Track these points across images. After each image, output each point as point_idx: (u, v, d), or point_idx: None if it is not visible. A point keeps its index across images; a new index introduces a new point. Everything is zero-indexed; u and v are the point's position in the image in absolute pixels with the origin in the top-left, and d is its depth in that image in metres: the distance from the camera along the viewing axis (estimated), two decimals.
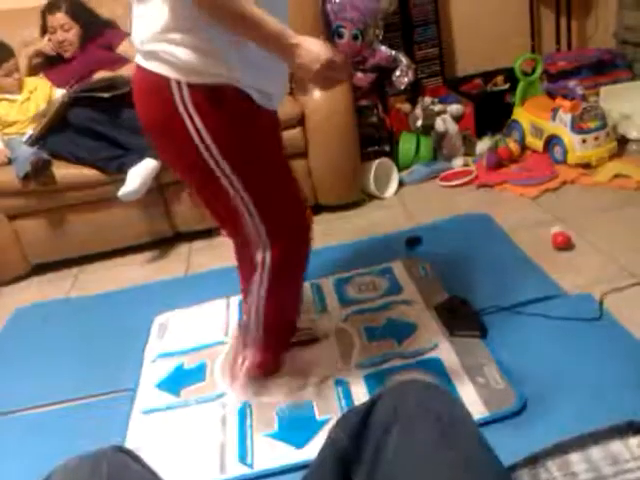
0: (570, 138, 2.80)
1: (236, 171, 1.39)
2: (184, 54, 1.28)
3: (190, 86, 1.31)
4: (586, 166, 2.77)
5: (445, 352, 1.75)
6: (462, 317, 1.86)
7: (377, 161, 2.90)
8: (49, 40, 2.89)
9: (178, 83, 1.30)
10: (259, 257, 1.53)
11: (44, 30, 2.90)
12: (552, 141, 2.88)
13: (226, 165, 1.38)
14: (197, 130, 1.34)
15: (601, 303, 1.83)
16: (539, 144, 2.95)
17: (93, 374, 1.96)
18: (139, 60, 1.36)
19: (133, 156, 2.56)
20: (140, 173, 2.52)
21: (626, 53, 3.30)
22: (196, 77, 1.31)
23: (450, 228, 2.47)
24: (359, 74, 3.09)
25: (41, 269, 2.79)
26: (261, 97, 1.39)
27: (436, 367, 1.70)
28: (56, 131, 2.64)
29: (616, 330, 1.72)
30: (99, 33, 2.92)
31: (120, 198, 2.52)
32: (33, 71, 2.94)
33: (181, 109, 1.32)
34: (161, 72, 1.31)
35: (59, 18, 2.84)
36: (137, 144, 2.53)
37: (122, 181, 2.53)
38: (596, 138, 2.80)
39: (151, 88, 1.36)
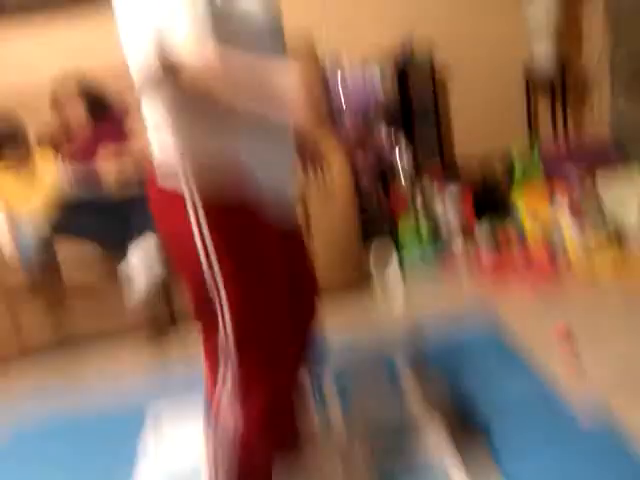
0: (568, 225, 2.83)
1: (225, 275, 1.37)
2: (198, 163, 1.31)
3: (205, 203, 1.32)
4: (583, 255, 2.78)
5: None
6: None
7: (377, 242, 2.93)
8: (57, 116, 2.95)
9: (194, 203, 1.32)
10: (221, 371, 1.42)
11: (53, 106, 2.96)
12: (551, 228, 2.91)
13: (218, 272, 1.36)
14: (204, 243, 1.34)
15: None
16: (538, 230, 2.98)
17: None
18: (155, 175, 1.38)
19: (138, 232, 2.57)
20: (143, 266, 2.53)
21: (620, 143, 3.37)
22: (212, 192, 1.32)
23: (455, 339, 2.38)
24: (359, 154, 3.15)
25: (35, 350, 2.75)
26: (274, 186, 1.39)
27: None
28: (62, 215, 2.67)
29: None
30: (108, 114, 2.99)
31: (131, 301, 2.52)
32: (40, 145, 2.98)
33: (194, 225, 1.33)
34: (177, 189, 1.33)
35: (69, 96, 2.91)
36: (144, 223, 2.54)
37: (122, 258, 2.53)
38: (593, 226, 2.83)
39: (167, 204, 1.38)
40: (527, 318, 2.41)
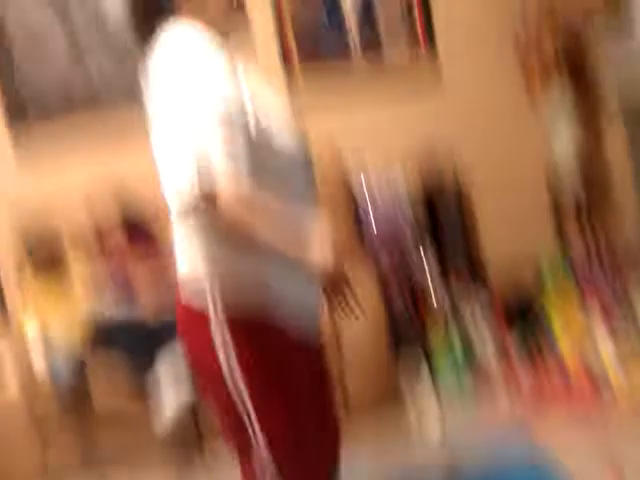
0: (604, 339, 2.76)
1: (254, 402, 1.37)
2: (226, 290, 1.34)
3: (231, 323, 1.34)
4: (626, 372, 2.67)
5: None
6: None
7: (407, 353, 2.89)
8: (91, 222, 3.03)
9: (220, 322, 1.34)
10: None
11: (89, 211, 3.05)
12: (586, 340, 2.82)
13: (246, 394, 1.37)
14: (229, 363, 1.35)
15: None
16: (572, 342, 2.89)
17: None
18: (182, 294, 1.41)
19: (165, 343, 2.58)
20: (173, 395, 2.53)
21: None
22: (238, 314, 1.35)
23: (495, 473, 2.27)
24: (386, 262, 3.15)
25: (61, 471, 2.73)
26: (299, 318, 1.41)
27: None
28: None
29: None
30: (142, 225, 3.07)
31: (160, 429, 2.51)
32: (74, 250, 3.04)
33: (219, 347, 1.35)
34: (204, 309, 1.35)
35: (105, 204, 3.01)
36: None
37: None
38: (631, 338, 2.76)
39: (194, 324, 1.40)
40: (569, 448, 2.30)
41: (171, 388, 2.50)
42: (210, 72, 1.29)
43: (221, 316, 1.35)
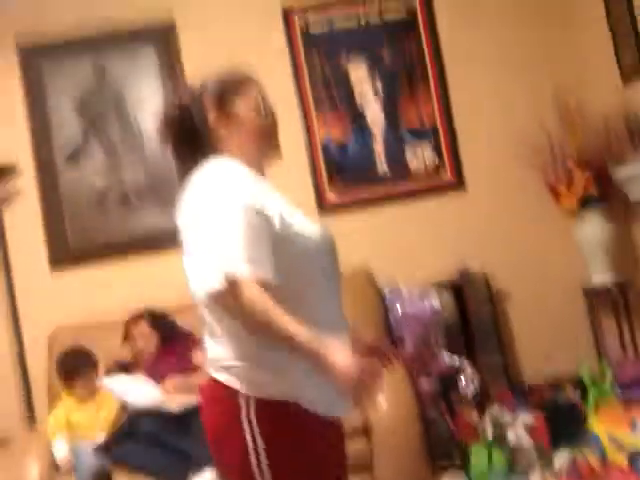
0: None
1: None
2: (253, 373, 1.36)
3: (257, 401, 1.34)
4: None
5: None
6: None
7: (448, 474, 2.76)
8: (129, 348, 3.06)
9: (247, 398, 1.34)
10: None
11: (125, 338, 3.09)
12: (637, 457, 2.70)
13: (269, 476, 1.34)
14: (254, 441, 1.34)
15: None
16: (622, 459, 2.76)
17: None
18: (211, 370, 1.43)
19: (198, 465, 2.50)
20: None
21: None
22: (264, 393, 1.35)
23: None
24: (423, 380, 3.11)
25: None
26: (327, 406, 1.40)
27: None
28: (124, 439, 2.66)
29: None
30: (176, 341, 3.09)
31: None
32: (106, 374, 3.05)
33: (244, 421, 1.34)
34: (231, 385, 1.36)
35: (141, 328, 3.05)
36: (205, 455, 2.50)
37: None
38: None
39: (219, 397, 1.40)
40: None
41: None
42: (237, 182, 1.37)
43: (251, 394, 1.35)
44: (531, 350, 3.57)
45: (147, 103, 3.53)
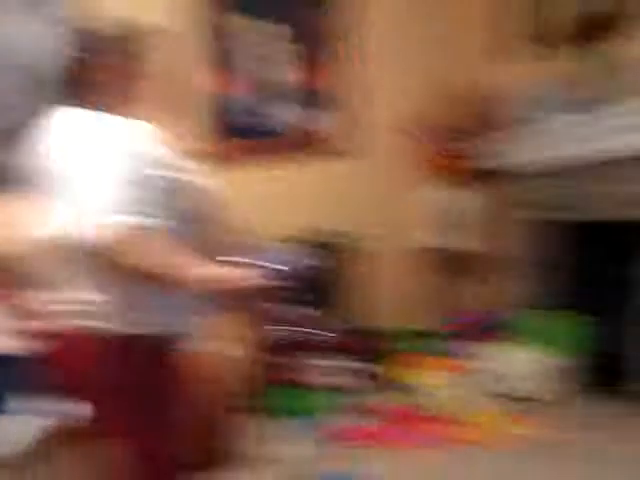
0: (455, 397, 3.05)
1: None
2: (130, 314, 1.50)
3: (131, 337, 1.50)
4: (467, 424, 2.92)
5: None
6: None
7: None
8: None
9: (123, 337, 1.48)
10: None
11: None
12: (439, 399, 3.07)
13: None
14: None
15: None
16: (424, 402, 3.10)
17: None
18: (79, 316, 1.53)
19: None
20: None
21: (515, 317, 3.67)
22: (139, 330, 1.51)
23: None
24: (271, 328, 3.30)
25: None
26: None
27: None
28: None
29: None
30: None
31: None
32: None
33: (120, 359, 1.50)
34: (104, 327, 1.50)
35: None
36: None
37: None
38: (480, 396, 3.07)
39: (92, 342, 1.50)
40: None
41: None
42: (122, 132, 1.44)
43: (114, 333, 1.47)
44: (373, 302, 3.89)
45: None
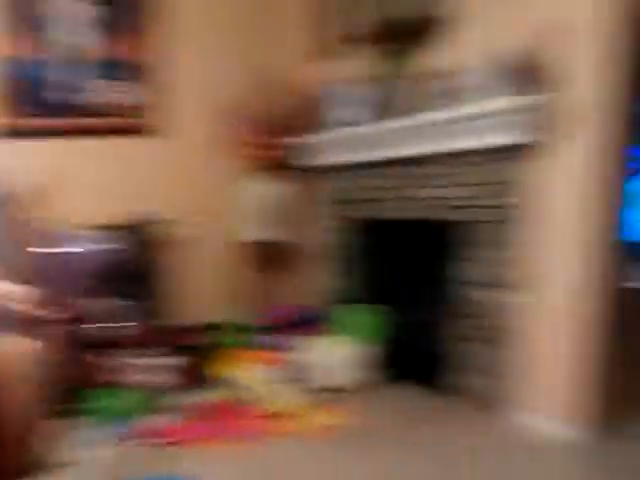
0: (272, 389, 2.98)
1: None
2: None
3: None
4: (286, 416, 2.89)
5: None
6: None
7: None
8: None
9: None
10: None
11: None
12: (253, 392, 3.00)
13: None
14: None
15: None
16: (240, 396, 3.03)
17: None
18: None
19: None
20: None
21: (328, 310, 3.73)
22: None
23: None
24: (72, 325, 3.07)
25: None
26: None
27: None
28: None
29: None
30: None
31: None
32: None
33: None
34: None
35: None
36: None
37: None
38: (297, 388, 3.03)
39: None
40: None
41: None
42: None
43: None
44: (185, 295, 3.76)
45: None
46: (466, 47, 3.00)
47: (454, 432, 2.77)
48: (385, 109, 3.36)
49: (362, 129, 3.46)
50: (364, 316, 3.42)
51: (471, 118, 2.82)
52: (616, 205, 2.55)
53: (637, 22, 2.41)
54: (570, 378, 2.68)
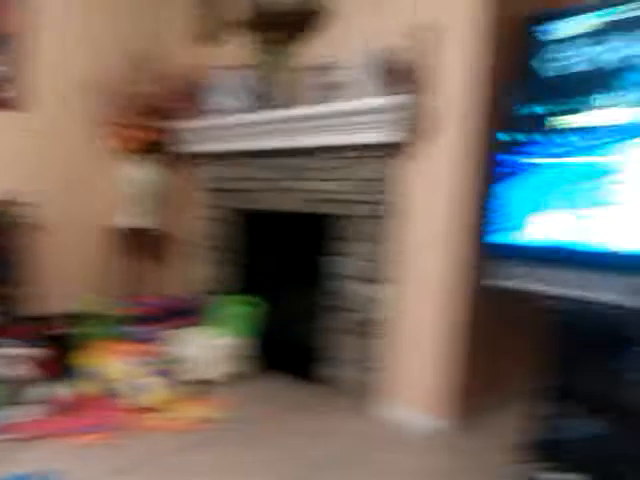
0: (142, 382, 2.88)
1: None
2: None
3: None
4: (156, 410, 2.83)
5: None
6: None
7: None
8: None
9: None
10: None
11: None
12: (119, 385, 2.90)
13: None
14: None
15: None
16: (106, 388, 2.93)
17: None
18: None
19: None
20: None
21: (200, 300, 3.68)
22: None
23: None
24: None
25: None
26: None
27: None
28: None
29: None
30: None
31: None
32: None
33: None
34: None
35: None
36: None
37: None
38: (168, 381, 2.93)
39: None
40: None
41: None
42: None
43: None
44: (59, 283, 3.57)
45: None
46: (342, 43, 3.03)
47: (321, 423, 2.81)
48: (263, 99, 3.32)
49: (240, 118, 3.41)
50: (238, 308, 3.38)
51: (344, 114, 2.84)
52: (480, 206, 2.63)
53: (507, 26, 2.48)
54: (432, 371, 2.78)
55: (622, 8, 2.13)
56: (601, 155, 2.16)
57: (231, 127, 3.47)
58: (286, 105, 3.19)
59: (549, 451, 2.27)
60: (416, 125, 2.70)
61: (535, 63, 2.35)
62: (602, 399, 2.12)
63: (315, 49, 3.18)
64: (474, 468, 2.44)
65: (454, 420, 2.78)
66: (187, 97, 3.75)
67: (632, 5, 2.10)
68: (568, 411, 2.21)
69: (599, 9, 2.18)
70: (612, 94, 2.14)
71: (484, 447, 2.62)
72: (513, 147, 2.40)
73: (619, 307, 2.06)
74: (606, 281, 2.11)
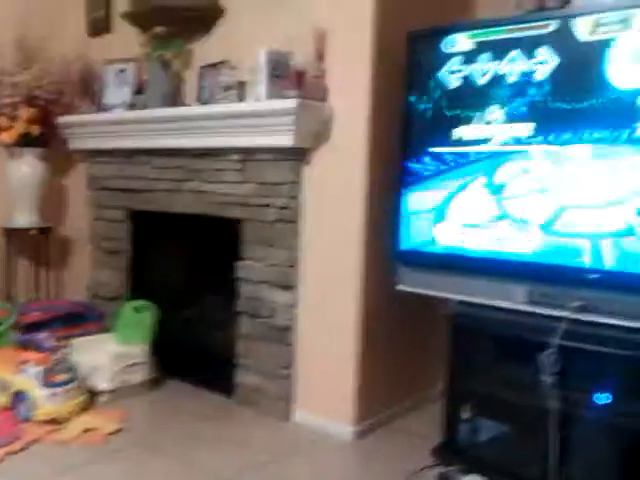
0: (38, 393, 2.75)
1: None
2: None
3: None
4: (55, 421, 2.73)
5: None
6: None
7: None
8: None
9: None
10: None
11: None
12: (18, 397, 2.78)
13: None
14: None
15: None
16: (3, 400, 2.83)
17: None
18: None
19: None
20: None
21: (96, 306, 3.59)
22: None
23: None
24: None
25: None
26: None
27: None
28: None
29: None
30: None
31: None
32: None
33: None
34: None
35: None
36: None
37: None
38: (66, 391, 2.81)
39: None
40: None
41: None
42: None
43: None
44: None
45: None
46: (238, 43, 2.98)
47: (227, 432, 2.77)
48: (156, 96, 3.21)
49: (133, 114, 3.29)
50: (135, 314, 3.24)
51: (238, 116, 2.79)
52: (386, 212, 2.65)
53: (396, 38, 2.50)
54: (343, 378, 2.77)
55: (494, 30, 2.22)
56: (484, 169, 2.26)
57: (124, 123, 3.34)
58: (178, 103, 3.13)
59: (459, 454, 2.36)
60: (311, 130, 2.69)
61: (425, 76, 2.40)
62: (502, 402, 2.24)
63: (210, 48, 3.11)
64: (386, 473, 2.45)
65: (366, 426, 2.80)
66: (77, 89, 3.60)
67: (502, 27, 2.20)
68: (473, 414, 2.31)
69: (473, 28, 2.28)
70: (486, 110, 2.25)
71: (397, 452, 2.64)
72: (415, 157, 2.45)
73: (518, 313, 2.18)
74: (505, 288, 2.22)
